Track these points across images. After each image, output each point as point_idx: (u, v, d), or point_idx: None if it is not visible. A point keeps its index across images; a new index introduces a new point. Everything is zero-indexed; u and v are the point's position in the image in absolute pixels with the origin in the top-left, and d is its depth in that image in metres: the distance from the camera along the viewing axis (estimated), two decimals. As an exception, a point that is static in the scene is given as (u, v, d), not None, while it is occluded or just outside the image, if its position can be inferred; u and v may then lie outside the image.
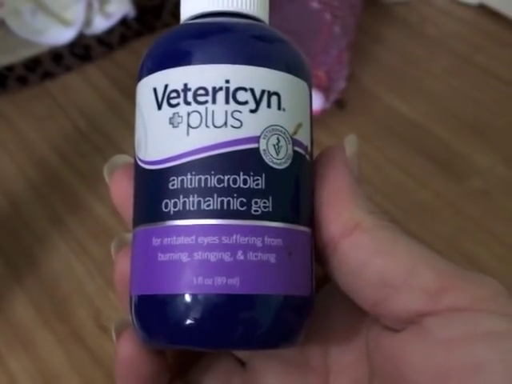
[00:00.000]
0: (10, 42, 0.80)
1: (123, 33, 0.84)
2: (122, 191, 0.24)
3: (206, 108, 0.21)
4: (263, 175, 0.21)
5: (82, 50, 0.82)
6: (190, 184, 0.20)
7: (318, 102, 0.84)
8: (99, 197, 0.66)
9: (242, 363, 0.26)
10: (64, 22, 0.82)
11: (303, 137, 0.22)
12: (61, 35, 0.81)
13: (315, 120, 0.78)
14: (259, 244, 0.20)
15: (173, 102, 0.21)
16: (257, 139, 0.21)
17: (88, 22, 0.82)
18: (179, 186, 0.21)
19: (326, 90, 0.85)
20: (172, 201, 0.21)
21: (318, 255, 0.22)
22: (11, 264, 0.61)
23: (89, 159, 0.70)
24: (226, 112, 0.21)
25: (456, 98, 0.81)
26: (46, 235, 0.63)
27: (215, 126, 0.21)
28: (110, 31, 0.83)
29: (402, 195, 0.70)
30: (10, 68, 0.78)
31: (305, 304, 0.22)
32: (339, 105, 0.83)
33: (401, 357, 0.20)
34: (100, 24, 0.82)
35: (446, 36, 0.90)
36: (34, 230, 0.64)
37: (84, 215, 0.65)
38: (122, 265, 0.23)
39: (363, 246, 0.21)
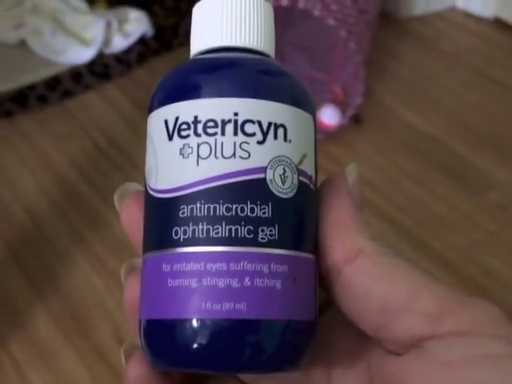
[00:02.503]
0: (30, 61, 0.82)
1: (141, 51, 0.85)
2: (131, 217, 0.25)
3: (216, 139, 0.22)
4: (270, 204, 0.21)
5: (101, 68, 0.83)
6: (200, 212, 0.21)
7: (334, 117, 0.85)
8: (118, 213, 0.66)
9: None
10: (83, 42, 0.83)
11: (308, 167, 0.23)
12: (80, 55, 0.82)
13: (332, 135, 0.78)
14: (266, 270, 0.21)
15: (183, 133, 0.22)
16: (264, 169, 0.22)
17: (107, 41, 0.84)
18: (189, 214, 0.21)
19: (342, 106, 0.86)
20: (182, 228, 0.21)
21: (322, 280, 0.23)
22: (33, 280, 0.62)
23: (108, 176, 0.71)
24: (235, 143, 0.22)
25: (471, 111, 0.81)
26: (67, 252, 0.64)
27: (224, 157, 0.21)
28: (128, 50, 0.84)
29: (418, 208, 0.70)
30: (31, 87, 0.79)
31: (308, 328, 0.22)
32: (356, 120, 0.84)
33: (403, 379, 0.21)
34: (119, 43, 0.84)
35: (461, 50, 0.90)
36: (55, 246, 0.65)
37: (104, 232, 0.66)
38: (132, 289, 0.24)
39: (366, 271, 0.22)
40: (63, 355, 0.57)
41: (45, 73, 0.81)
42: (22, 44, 0.84)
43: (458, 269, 0.63)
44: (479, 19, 0.94)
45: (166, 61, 0.85)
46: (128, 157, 0.73)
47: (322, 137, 0.82)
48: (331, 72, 0.92)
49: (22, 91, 0.79)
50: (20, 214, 0.68)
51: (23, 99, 0.79)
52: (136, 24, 0.85)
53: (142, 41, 0.86)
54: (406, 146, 0.77)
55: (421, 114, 0.81)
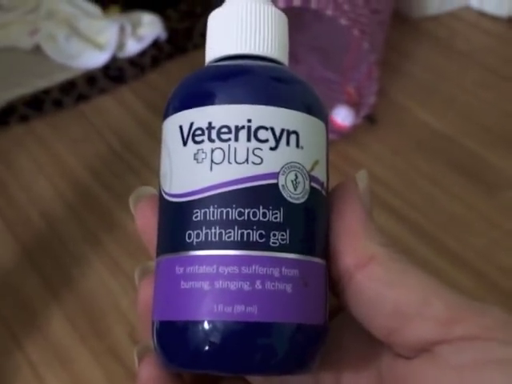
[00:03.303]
0: (45, 66, 0.83)
1: (155, 55, 0.86)
2: (146, 221, 0.25)
3: (229, 145, 0.22)
4: (281, 209, 0.22)
5: (116, 72, 0.84)
6: (213, 216, 0.22)
7: (348, 117, 0.85)
8: (133, 215, 0.67)
9: None
10: (97, 46, 0.84)
11: (320, 173, 0.23)
12: (94, 59, 0.83)
13: (347, 136, 0.78)
14: (277, 274, 0.21)
15: (197, 139, 0.23)
16: (276, 175, 0.22)
17: (121, 45, 0.84)
18: (202, 218, 0.22)
19: (356, 106, 0.86)
20: (195, 232, 0.22)
21: (333, 286, 0.23)
22: (48, 283, 0.63)
23: (123, 179, 0.72)
24: (248, 149, 0.22)
25: (487, 110, 0.81)
26: (82, 254, 0.65)
27: (237, 162, 0.22)
28: (142, 54, 0.85)
29: (435, 208, 0.70)
30: (46, 92, 0.80)
31: (319, 332, 0.22)
32: (370, 120, 0.84)
33: (415, 382, 0.21)
34: (132, 47, 0.84)
35: (475, 49, 0.90)
36: (71, 248, 0.66)
37: (119, 234, 0.66)
38: (145, 292, 0.25)
39: (377, 277, 0.22)
40: (79, 357, 0.57)
41: (60, 77, 0.82)
42: (37, 49, 0.85)
43: (476, 269, 0.63)
44: (493, 18, 0.94)
45: (179, 64, 0.85)
46: (142, 159, 0.74)
47: (337, 137, 0.82)
48: (344, 72, 0.92)
49: (38, 96, 0.80)
50: (36, 218, 0.69)
51: (38, 104, 0.80)
52: (149, 28, 0.85)
53: (155, 44, 0.86)
54: (421, 146, 0.77)
55: (436, 113, 0.81)
